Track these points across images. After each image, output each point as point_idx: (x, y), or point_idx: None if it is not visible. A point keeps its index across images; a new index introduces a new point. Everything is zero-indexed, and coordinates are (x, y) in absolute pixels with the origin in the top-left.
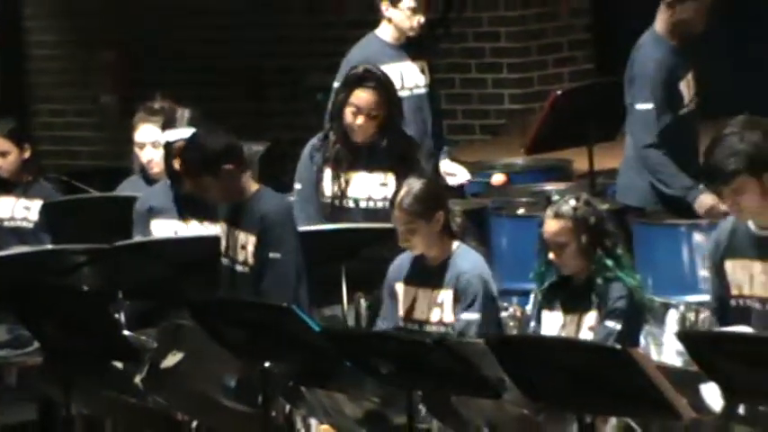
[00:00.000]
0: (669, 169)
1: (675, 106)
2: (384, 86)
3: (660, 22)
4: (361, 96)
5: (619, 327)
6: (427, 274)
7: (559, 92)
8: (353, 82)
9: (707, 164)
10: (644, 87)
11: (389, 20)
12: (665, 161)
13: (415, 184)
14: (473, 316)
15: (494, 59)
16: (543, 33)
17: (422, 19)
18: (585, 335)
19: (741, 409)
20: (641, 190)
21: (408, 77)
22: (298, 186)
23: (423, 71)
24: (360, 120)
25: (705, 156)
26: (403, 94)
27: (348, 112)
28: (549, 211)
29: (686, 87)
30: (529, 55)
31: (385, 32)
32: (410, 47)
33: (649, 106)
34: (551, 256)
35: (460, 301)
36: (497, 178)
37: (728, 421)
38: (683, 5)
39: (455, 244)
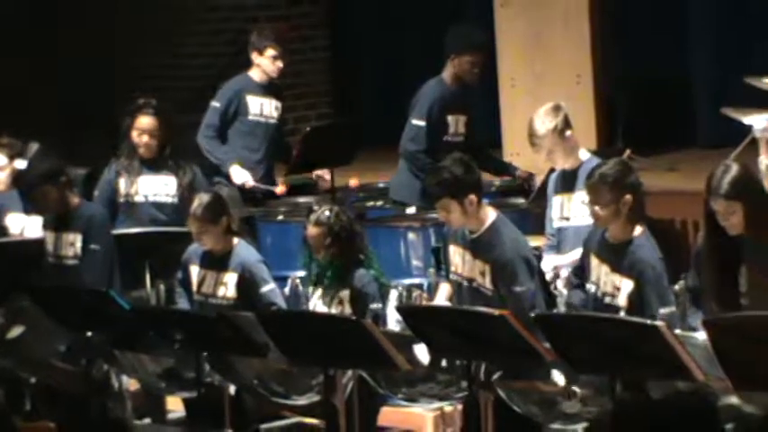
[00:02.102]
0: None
1: (441, 132)
2: (160, 111)
3: (445, 71)
4: (144, 121)
5: (380, 305)
6: (215, 261)
7: (309, 129)
8: (136, 110)
9: (425, 185)
10: (421, 109)
11: (258, 65)
12: (430, 163)
13: (204, 197)
14: (272, 286)
15: None
16: (295, 86)
17: (281, 64)
18: (337, 308)
19: (443, 362)
20: (412, 189)
21: (266, 109)
22: (96, 193)
23: (276, 108)
24: (145, 139)
25: (424, 180)
26: (260, 120)
27: (135, 135)
28: (312, 217)
29: (454, 121)
30: (285, 101)
31: (254, 73)
32: (272, 89)
33: (422, 123)
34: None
35: (255, 281)
36: (353, 182)
37: (433, 371)
38: (461, 59)
39: (235, 240)
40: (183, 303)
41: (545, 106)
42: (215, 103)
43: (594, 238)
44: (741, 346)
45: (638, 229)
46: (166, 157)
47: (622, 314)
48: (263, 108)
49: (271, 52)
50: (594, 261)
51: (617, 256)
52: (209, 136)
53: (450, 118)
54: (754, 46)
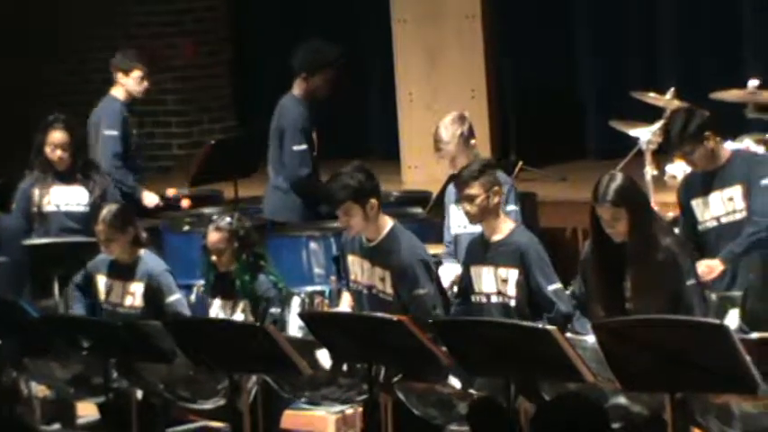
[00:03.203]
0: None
1: (312, 149)
2: (70, 127)
3: (297, 89)
4: (55, 136)
5: (279, 310)
6: (121, 270)
7: (212, 141)
8: (47, 125)
9: (326, 191)
10: (295, 134)
11: (123, 85)
12: (318, 185)
13: (112, 207)
14: (177, 295)
15: (165, 118)
16: (198, 99)
17: (147, 84)
18: (238, 316)
19: (345, 366)
20: (289, 209)
21: (133, 128)
22: (14, 206)
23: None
24: (58, 153)
25: (325, 185)
26: (135, 139)
27: (48, 150)
28: (212, 226)
29: (315, 137)
30: (189, 115)
31: (119, 93)
32: (131, 108)
33: (303, 147)
34: (214, 258)
35: (161, 290)
36: (185, 203)
37: (335, 375)
38: (314, 78)
39: (142, 250)
40: (78, 308)
41: (451, 114)
42: (112, 132)
43: (470, 253)
44: (628, 349)
45: (512, 224)
46: (78, 169)
47: (513, 303)
48: (133, 127)
49: (137, 73)
50: (476, 270)
51: (499, 252)
52: (118, 166)
53: (314, 134)
54: (639, 61)
